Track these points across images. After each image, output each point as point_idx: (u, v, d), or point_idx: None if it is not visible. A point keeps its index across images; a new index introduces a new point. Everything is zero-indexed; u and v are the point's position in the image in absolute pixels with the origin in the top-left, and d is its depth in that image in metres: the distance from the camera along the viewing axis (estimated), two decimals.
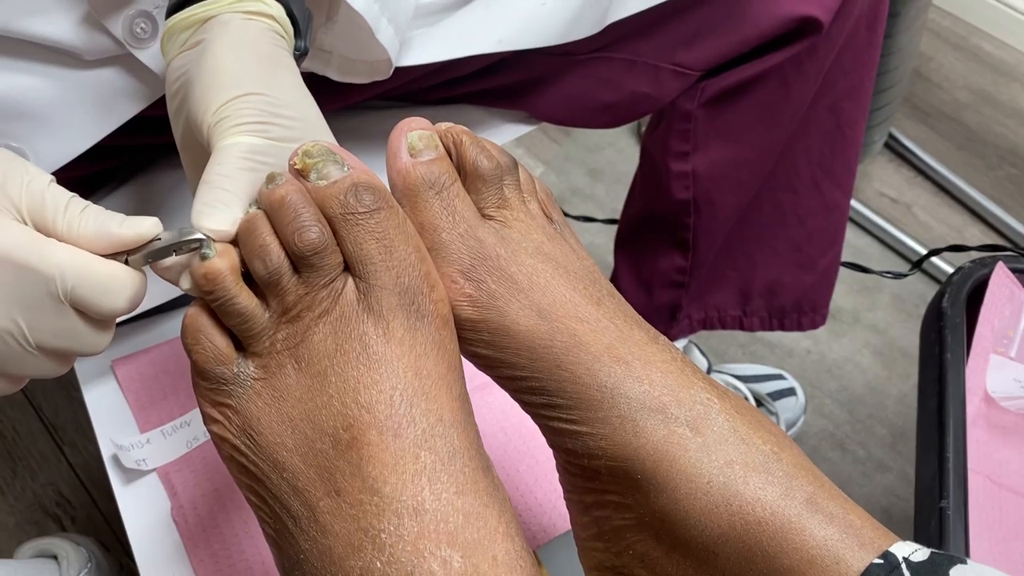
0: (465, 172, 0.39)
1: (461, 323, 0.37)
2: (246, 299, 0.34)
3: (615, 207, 1.29)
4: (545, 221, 0.41)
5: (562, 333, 0.37)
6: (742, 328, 0.85)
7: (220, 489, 0.55)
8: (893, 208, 1.33)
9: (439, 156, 0.39)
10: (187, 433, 0.57)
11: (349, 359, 0.34)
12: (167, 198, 0.60)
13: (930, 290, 1.23)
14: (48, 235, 0.34)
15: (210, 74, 0.39)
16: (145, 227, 0.34)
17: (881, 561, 0.33)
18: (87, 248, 0.34)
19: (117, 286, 0.34)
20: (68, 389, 1.00)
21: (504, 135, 0.69)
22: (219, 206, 0.35)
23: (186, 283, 0.35)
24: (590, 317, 0.38)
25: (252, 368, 0.35)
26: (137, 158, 0.62)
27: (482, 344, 0.38)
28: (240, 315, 0.34)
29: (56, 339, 0.34)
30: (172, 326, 0.62)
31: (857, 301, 1.21)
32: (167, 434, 0.57)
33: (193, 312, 0.35)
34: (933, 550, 0.33)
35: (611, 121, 0.69)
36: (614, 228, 0.93)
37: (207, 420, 0.36)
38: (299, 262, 0.34)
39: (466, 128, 0.40)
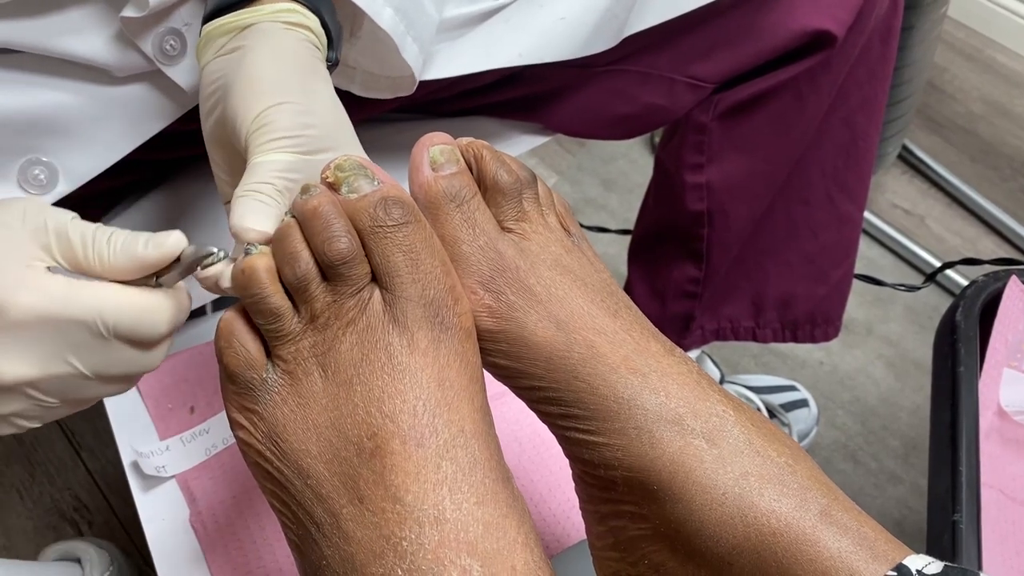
0: (485, 185, 0.40)
1: (480, 334, 0.38)
2: (279, 299, 0.35)
3: (628, 217, 1.30)
4: (563, 234, 0.42)
5: (579, 344, 0.37)
6: (755, 340, 0.85)
7: (238, 496, 0.56)
8: (906, 220, 1.33)
9: (460, 170, 0.39)
10: (206, 440, 0.58)
11: (374, 369, 0.35)
12: (189, 209, 0.61)
13: (943, 302, 1.23)
14: (81, 271, 0.35)
15: (250, 80, 0.40)
16: (169, 244, 0.36)
17: (895, 574, 0.33)
18: (121, 276, 0.35)
19: (155, 313, 0.36)
20: None
21: (519, 147, 0.70)
22: (257, 216, 0.37)
23: (226, 282, 0.36)
24: (607, 329, 0.38)
25: (279, 374, 0.35)
26: (159, 171, 0.63)
27: (501, 355, 0.38)
28: (272, 313, 0.35)
29: (112, 367, 0.36)
30: (192, 334, 0.63)
31: (870, 313, 1.21)
32: (186, 441, 0.58)
33: (228, 316, 0.36)
34: (947, 563, 0.34)
35: (626, 133, 0.69)
36: (627, 238, 0.94)
37: (234, 425, 0.36)
38: (328, 271, 0.35)
39: (486, 143, 0.41)
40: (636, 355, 0.38)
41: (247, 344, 0.36)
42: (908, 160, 1.39)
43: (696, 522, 0.35)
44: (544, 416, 0.39)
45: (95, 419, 1.00)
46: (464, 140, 0.41)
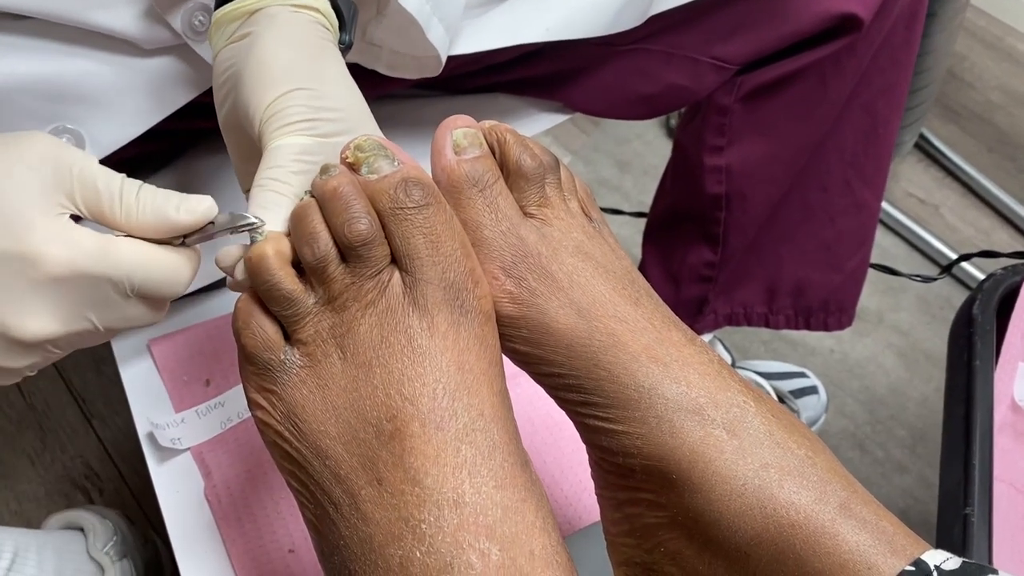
0: (508, 170, 0.40)
1: (501, 319, 0.38)
2: (290, 283, 0.35)
3: (642, 199, 1.29)
4: (585, 220, 0.42)
5: (600, 332, 0.37)
6: (767, 326, 0.85)
7: (252, 470, 0.56)
8: (921, 209, 1.33)
9: (483, 154, 0.39)
10: (221, 414, 0.58)
11: (394, 351, 0.34)
12: (209, 180, 0.60)
13: (955, 293, 1.22)
14: (105, 223, 0.35)
15: (260, 68, 0.39)
16: (202, 211, 0.36)
17: (913, 569, 0.33)
18: (145, 235, 0.35)
19: (179, 274, 0.36)
20: (98, 363, 1.01)
21: (539, 125, 0.69)
22: (273, 207, 0.37)
23: (240, 274, 0.36)
24: (628, 317, 0.38)
25: (298, 356, 0.35)
26: (180, 140, 0.62)
27: (521, 340, 0.38)
28: (284, 299, 0.35)
29: (123, 323, 0.36)
30: (209, 307, 0.63)
31: (882, 301, 1.21)
32: (201, 414, 0.58)
33: (246, 297, 0.36)
34: (965, 559, 0.34)
35: (647, 113, 0.69)
36: (641, 221, 0.93)
37: (252, 406, 0.37)
38: (347, 252, 0.35)
39: (510, 126, 0.41)
40: (657, 344, 0.38)
41: (265, 326, 0.36)
42: (924, 148, 1.38)
43: (714, 512, 0.35)
44: (563, 403, 0.39)
45: (107, 387, 1.00)
46: (487, 123, 0.41)
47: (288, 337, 0.36)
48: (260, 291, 0.35)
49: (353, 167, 0.36)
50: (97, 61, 0.48)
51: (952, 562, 0.33)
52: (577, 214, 0.41)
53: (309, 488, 0.35)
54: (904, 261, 1.25)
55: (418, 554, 0.32)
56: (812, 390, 1.02)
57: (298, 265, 0.36)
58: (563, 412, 0.40)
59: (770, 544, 0.35)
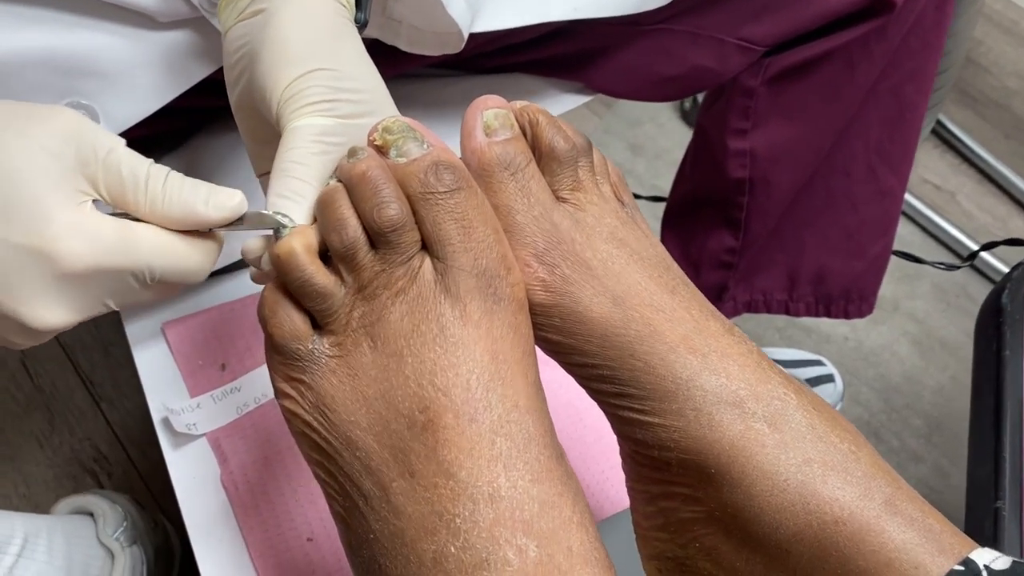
0: (540, 153, 0.39)
1: (533, 308, 0.37)
2: (322, 278, 0.34)
3: (655, 183, 1.27)
4: (617, 204, 0.40)
5: (636, 322, 0.36)
6: (787, 313, 0.84)
7: (270, 456, 0.55)
8: (937, 195, 1.31)
9: (515, 136, 0.38)
10: (237, 399, 0.57)
11: (426, 340, 0.33)
12: (222, 160, 0.59)
13: (972, 281, 1.21)
14: (126, 209, 0.33)
15: (276, 47, 0.38)
16: (232, 207, 0.34)
17: (962, 568, 0.32)
18: (170, 226, 0.34)
19: (200, 264, 0.35)
20: (105, 345, 1.00)
21: (559, 106, 0.68)
22: (295, 197, 0.35)
23: (267, 266, 0.35)
24: (665, 306, 0.37)
25: (327, 345, 0.34)
26: (193, 119, 0.61)
27: (553, 330, 0.37)
28: (318, 295, 0.34)
29: (138, 304, 0.36)
30: (223, 290, 0.62)
31: (897, 289, 1.20)
32: (217, 399, 0.57)
33: (272, 287, 0.35)
34: (1015, 559, 0.33)
35: (670, 95, 0.67)
36: (655, 204, 0.92)
37: (279, 395, 0.35)
38: (377, 238, 0.34)
39: (542, 107, 0.40)
40: (695, 334, 0.36)
41: (292, 315, 0.34)
42: (940, 134, 1.37)
43: (755, 508, 0.34)
44: (595, 394, 0.38)
45: (115, 369, 0.99)
46: (518, 104, 0.40)
47: (316, 325, 0.35)
48: (291, 287, 0.34)
49: (381, 150, 0.35)
50: (111, 34, 0.46)
51: (1001, 561, 0.33)
52: (610, 199, 0.40)
53: (338, 479, 0.34)
54: (920, 248, 1.23)
55: (453, 549, 0.31)
56: (828, 378, 1.01)
57: (324, 253, 0.35)
58: (585, 401, 0.39)
59: (812, 541, 0.34)
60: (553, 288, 0.37)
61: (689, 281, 0.39)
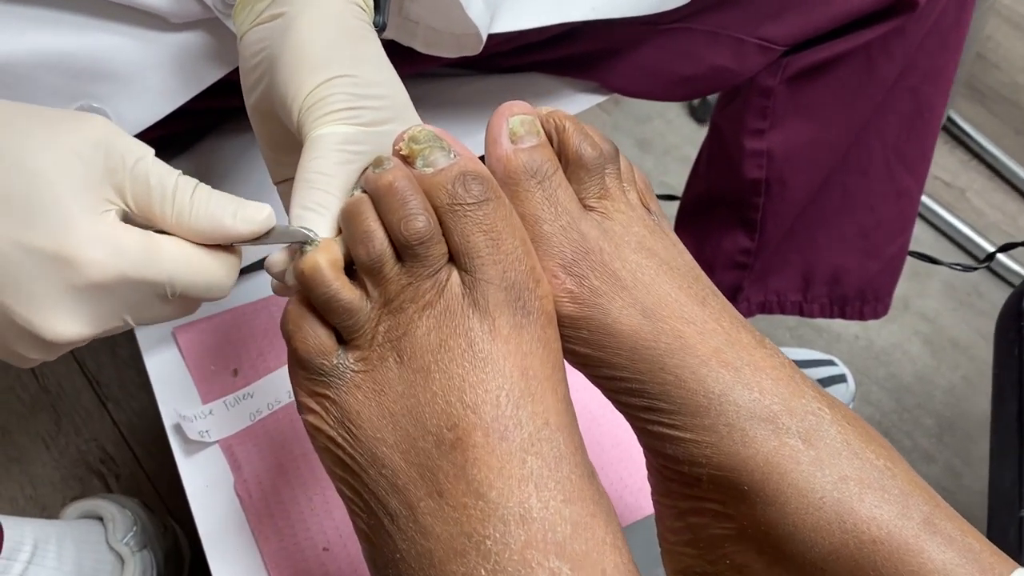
0: (567, 159, 0.38)
1: (560, 320, 0.36)
2: (347, 293, 0.33)
3: (664, 180, 1.26)
4: (645, 212, 0.40)
5: (667, 334, 0.35)
6: (801, 314, 0.83)
7: (284, 464, 0.54)
8: (947, 192, 1.30)
9: (541, 143, 0.37)
10: (250, 405, 0.56)
11: (454, 356, 0.33)
12: (235, 163, 0.58)
13: (983, 280, 1.20)
14: (153, 222, 0.33)
15: (297, 53, 0.37)
16: (260, 220, 0.33)
17: None
18: (196, 239, 0.33)
19: (223, 279, 0.34)
20: (112, 346, 0.99)
21: (575, 106, 0.67)
22: (320, 209, 0.34)
23: (291, 280, 0.34)
24: (696, 318, 0.36)
25: (352, 360, 0.33)
26: (204, 121, 0.60)
27: (581, 342, 0.36)
28: (343, 311, 0.33)
29: (156, 319, 0.35)
30: (235, 293, 0.61)
31: (907, 287, 1.19)
32: (230, 405, 0.56)
33: (296, 300, 0.34)
34: None
35: (687, 95, 0.66)
36: (663, 203, 0.91)
37: (303, 410, 0.35)
38: (404, 251, 0.33)
39: (568, 113, 0.39)
40: (727, 347, 0.36)
41: (316, 329, 0.34)
42: (949, 130, 1.36)
43: (789, 526, 0.34)
44: (624, 407, 0.38)
45: (121, 370, 0.98)
46: (544, 110, 0.39)
47: (341, 340, 0.34)
48: (316, 303, 0.33)
49: (407, 160, 0.34)
50: (123, 36, 0.45)
51: None
52: (637, 206, 0.39)
53: (363, 497, 0.34)
54: (929, 246, 1.22)
55: (483, 572, 0.30)
56: (840, 379, 1.00)
57: (348, 265, 0.34)
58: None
59: (848, 560, 0.33)
60: (581, 300, 0.36)
61: (718, 291, 0.39)
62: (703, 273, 0.39)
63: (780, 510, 0.34)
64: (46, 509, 0.90)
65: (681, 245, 0.40)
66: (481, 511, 0.31)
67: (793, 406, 0.35)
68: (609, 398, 0.38)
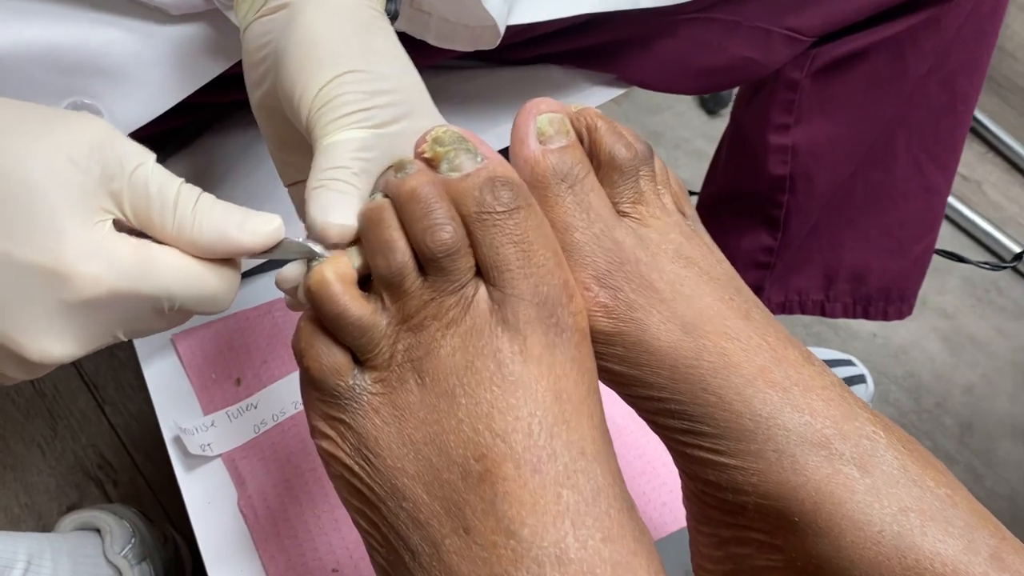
0: (599, 161, 0.35)
1: (593, 336, 0.33)
2: (358, 309, 0.30)
3: (675, 173, 1.23)
4: (680, 218, 0.37)
5: (709, 352, 0.33)
6: (823, 314, 0.80)
7: (290, 480, 0.52)
8: (963, 185, 1.27)
9: (571, 143, 0.34)
10: (254, 416, 0.53)
11: (482, 379, 0.30)
12: (238, 160, 0.55)
13: (1002, 276, 1.17)
14: (151, 232, 0.30)
15: (304, 47, 0.34)
16: (268, 232, 0.30)
17: None
18: (198, 252, 0.30)
19: (224, 293, 0.31)
20: (110, 347, 0.96)
21: (592, 99, 0.64)
22: (337, 217, 0.31)
23: (303, 295, 0.31)
24: (740, 333, 0.33)
25: (370, 382, 0.31)
26: (202, 116, 0.57)
27: (616, 360, 0.34)
28: (355, 328, 0.30)
29: (150, 333, 0.32)
30: (238, 297, 0.58)
31: (926, 284, 1.15)
32: (233, 417, 0.53)
33: (308, 317, 0.31)
34: None
35: (709, 87, 0.63)
36: None
37: (316, 434, 0.32)
38: (428, 264, 0.30)
39: (599, 111, 0.36)
40: (774, 365, 0.33)
41: (330, 347, 0.31)
42: None
43: (845, 560, 0.31)
44: (661, 429, 0.35)
45: (118, 371, 0.95)
46: (574, 107, 0.36)
47: (358, 359, 0.31)
48: (325, 320, 0.30)
49: (431, 163, 0.31)
50: (118, 28, 0.42)
51: None
52: (673, 212, 0.36)
53: (381, 531, 0.31)
54: (949, 241, 1.20)
55: None
56: (859, 379, 0.98)
57: (365, 276, 0.31)
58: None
59: None
60: (616, 314, 0.33)
61: (761, 303, 0.36)
62: (744, 283, 0.36)
63: (834, 543, 0.31)
64: (42, 518, 0.87)
65: (719, 253, 0.37)
66: (513, 551, 0.28)
67: (846, 429, 0.32)
68: (645, 419, 0.35)
